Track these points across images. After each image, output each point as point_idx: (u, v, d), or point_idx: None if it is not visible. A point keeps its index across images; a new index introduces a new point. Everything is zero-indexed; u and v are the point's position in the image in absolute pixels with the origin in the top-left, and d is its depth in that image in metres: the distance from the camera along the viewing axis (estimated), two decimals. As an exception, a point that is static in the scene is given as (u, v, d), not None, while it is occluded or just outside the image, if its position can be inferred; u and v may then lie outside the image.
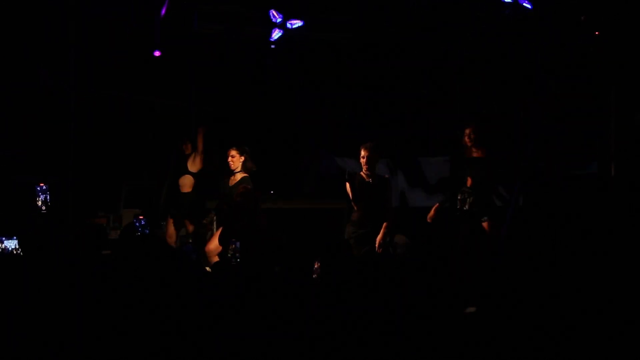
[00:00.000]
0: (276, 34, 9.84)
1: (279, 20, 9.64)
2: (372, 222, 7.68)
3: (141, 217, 5.09)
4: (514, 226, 6.77)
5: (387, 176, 7.99)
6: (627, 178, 6.94)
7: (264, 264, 7.14)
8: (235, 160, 8.32)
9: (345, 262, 6.07)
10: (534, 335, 4.44)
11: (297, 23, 9.68)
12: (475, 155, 7.96)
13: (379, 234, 7.59)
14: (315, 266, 5.81)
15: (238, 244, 6.85)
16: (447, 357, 4.23)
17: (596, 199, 6.46)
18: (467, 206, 7.89)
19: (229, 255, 6.84)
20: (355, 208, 7.77)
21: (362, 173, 7.86)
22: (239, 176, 8.30)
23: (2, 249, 4.38)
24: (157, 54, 9.94)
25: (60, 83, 9.55)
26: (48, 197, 4.93)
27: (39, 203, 4.93)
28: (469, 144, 7.88)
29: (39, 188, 4.96)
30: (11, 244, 4.45)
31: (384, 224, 7.68)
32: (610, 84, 7.43)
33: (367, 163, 7.82)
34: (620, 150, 7.56)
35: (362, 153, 7.90)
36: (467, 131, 7.98)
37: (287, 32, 9.83)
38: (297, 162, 11.36)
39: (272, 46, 9.96)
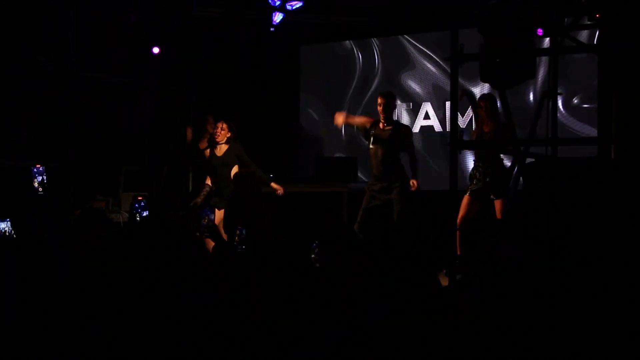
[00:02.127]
0: (278, 17, 9.77)
1: (277, 2, 9.58)
2: (391, 176, 7.73)
3: (140, 197, 5.08)
4: (513, 208, 6.75)
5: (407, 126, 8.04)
6: (627, 161, 6.90)
7: (267, 250, 7.12)
8: (223, 134, 8.42)
9: (344, 245, 6.06)
10: (532, 320, 4.43)
11: (297, 4, 9.62)
12: (485, 130, 8.03)
13: (395, 189, 7.65)
14: (315, 248, 5.80)
15: (244, 230, 6.82)
16: (446, 343, 4.21)
17: (596, 182, 6.42)
18: (479, 182, 7.96)
19: (235, 242, 6.81)
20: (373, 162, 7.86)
21: (380, 122, 7.89)
22: (224, 146, 8.43)
23: (-4, 230, 4.39)
24: (156, 51, 9.93)
25: (59, 67, 9.54)
26: (45, 179, 4.92)
27: (36, 185, 4.92)
28: (484, 116, 7.95)
29: (35, 170, 4.95)
30: (3, 225, 4.45)
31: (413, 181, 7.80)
32: (611, 66, 7.39)
33: (384, 111, 7.85)
34: (620, 132, 7.53)
35: (379, 101, 7.91)
36: (482, 103, 8.04)
37: (288, 14, 9.76)
38: (297, 146, 11.35)
39: (272, 29, 9.92)
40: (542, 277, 5.16)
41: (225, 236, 7.99)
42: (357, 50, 11.72)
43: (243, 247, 6.57)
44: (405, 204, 7.76)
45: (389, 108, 8.00)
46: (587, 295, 4.70)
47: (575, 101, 10.18)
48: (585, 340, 4.12)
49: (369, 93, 11.54)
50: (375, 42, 11.56)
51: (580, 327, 4.24)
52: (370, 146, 7.96)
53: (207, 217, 6.12)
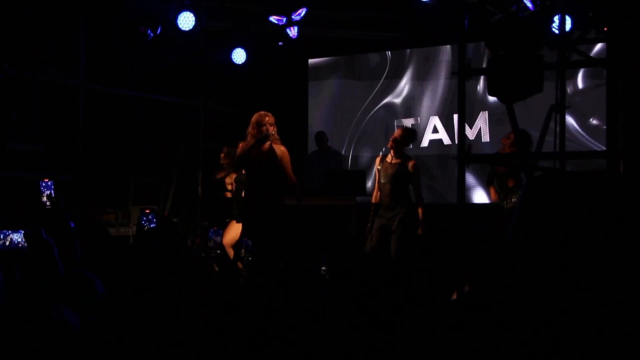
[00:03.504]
0: (294, 31, 9.78)
1: (283, 21, 9.60)
2: (397, 206, 7.74)
3: (147, 210, 5.11)
4: (521, 223, 6.73)
5: (413, 161, 8.00)
6: (636, 174, 6.90)
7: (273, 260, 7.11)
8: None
9: (353, 258, 6.05)
10: (539, 332, 4.41)
11: (302, 11, 9.61)
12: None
13: (397, 215, 7.64)
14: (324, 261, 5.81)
15: (250, 242, 6.84)
16: (450, 353, 4.20)
17: (605, 196, 6.41)
18: (510, 205, 7.94)
19: (241, 254, 6.84)
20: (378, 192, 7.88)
21: (388, 155, 7.93)
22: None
23: (9, 241, 4.42)
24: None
25: (69, 80, 9.60)
26: (53, 193, 4.95)
27: (44, 198, 4.96)
28: (508, 150, 7.99)
29: (43, 184, 4.98)
30: (17, 237, 4.49)
31: (419, 210, 7.75)
32: (618, 79, 7.40)
33: (395, 144, 7.87)
34: (629, 145, 7.53)
35: (396, 133, 7.95)
36: (509, 141, 8.05)
37: (300, 25, 9.77)
38: (305, 159, 11.36)
39: (280, 43, 9.94)
40: (551, 291, 5.15)
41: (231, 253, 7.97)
42: (365, 65, 11.75)
43: (249, 259, 6.58)
44: (404, 235, 7.76)
45: (401, 143, 8.02)
46: (597, 308, 4.69)
47: (595, 122, 10.17)
48: (592, 352, 4.11)
49: (376, 107, 11.57)
50: (382, 56, 11.59)
51: (590, 339, 4.23)
52: (381, 181, 7.98)
53: (212, 240, 6.13)
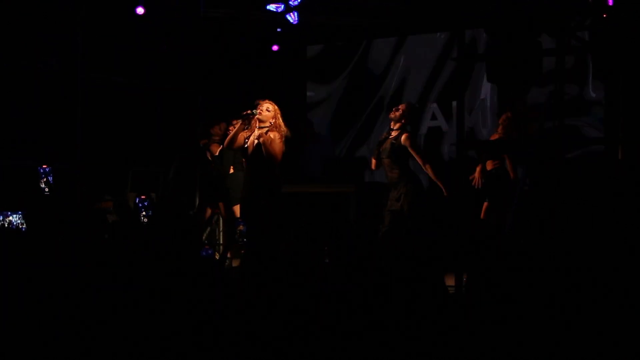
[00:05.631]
0: (294, 17, 9.74)
1: (282, 8, 9.57)
2: (399, 183, 7.53)
3: (143, 197, 5.10)
4: (520, 212, 6.74)
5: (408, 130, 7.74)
6: (635, 161, 6.90)
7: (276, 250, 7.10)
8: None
9: (353, 246, 6.05)
10: (538, 322, 4.42)
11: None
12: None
13: (402, 196, 7.46)
14: (326, 250, 5.81)
15: (245, 225, 6.84)
16: (452, 345, 4.20)
17: (604, 183, 6.42)
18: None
19: (237, 236, 6.84)
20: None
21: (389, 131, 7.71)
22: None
23: (8, 222, 4.44)
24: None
25: (68, 69, 9.60)
26: (51, 179, 4.95)
27: (42, 185, 4.96)
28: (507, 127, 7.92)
29: (42, 170, 4.98)
30: (16, 218, 4.50)
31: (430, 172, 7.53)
32: (618, 66, 7.38)
33: (395, 120, 7.63)
34: (628, 132, 7.52)
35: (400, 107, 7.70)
36: (504, 117, 7.98)
37: (286, 8, 9.74)
38: (303, 146, 11.35)
39: (279, 29, 9.93)
40: (549, 278, 5.15)
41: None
42: (363, 51, 11.72)
43: (244, 240, 6.59)
44: (412, 206, 7.55)
45: (403, 116, 7.71)
46: (595, 297, 4.70)
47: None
48: (592, 342, 4.12)
49: (375, 94, 11.55)
50: (381, 42, 11.56)
51: (590, 329, 4.23)
52: (382, 156, 7.74)
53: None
